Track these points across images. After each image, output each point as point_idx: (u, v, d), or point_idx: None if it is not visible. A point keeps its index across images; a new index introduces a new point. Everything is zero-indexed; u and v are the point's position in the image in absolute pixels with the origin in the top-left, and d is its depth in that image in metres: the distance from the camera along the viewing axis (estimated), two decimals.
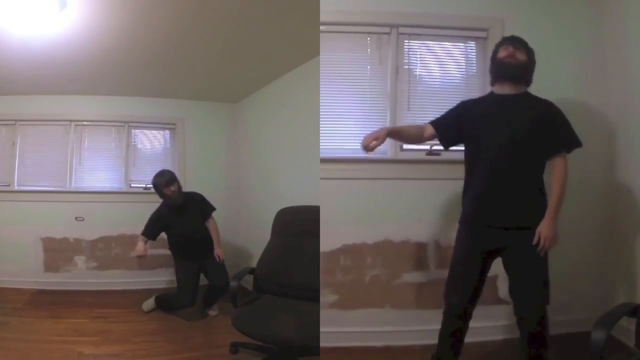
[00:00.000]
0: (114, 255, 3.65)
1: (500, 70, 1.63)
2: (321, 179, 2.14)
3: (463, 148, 1.74)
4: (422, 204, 2.17)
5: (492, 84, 1.69)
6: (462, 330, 1.69)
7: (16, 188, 3.58)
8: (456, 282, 1.68)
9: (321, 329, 1.84)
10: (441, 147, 2.16)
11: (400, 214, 2.17)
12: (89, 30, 2.25)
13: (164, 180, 2.79)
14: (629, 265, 2.06)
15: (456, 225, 1.73)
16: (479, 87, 2.15)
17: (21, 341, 2.32)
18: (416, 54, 2.24)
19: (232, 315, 1.95)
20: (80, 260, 3.60)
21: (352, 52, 2.24)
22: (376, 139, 1.58)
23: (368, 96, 2.25)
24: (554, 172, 1.57)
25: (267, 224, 2.46)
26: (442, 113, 1.76)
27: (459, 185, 1.73)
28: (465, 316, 1.67)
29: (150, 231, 2.81)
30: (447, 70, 2.24)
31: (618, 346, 1.90)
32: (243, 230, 3.83)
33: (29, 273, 3.50)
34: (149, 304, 2.92)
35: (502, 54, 1.63)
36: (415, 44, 2.24)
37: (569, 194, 2.05)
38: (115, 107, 3.70)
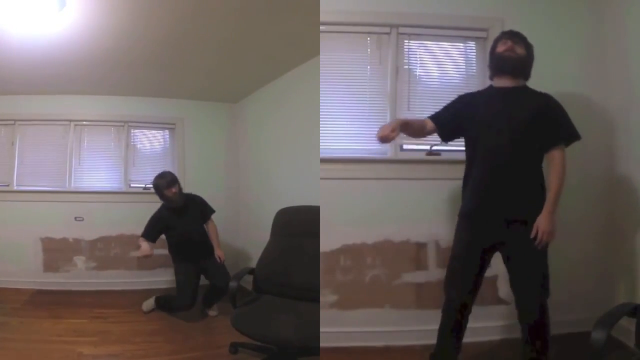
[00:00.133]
0: (114, 255, 3.65)
1: (499, 64, 1.63)
2: (321, 179, 2.14)
3: (463, 148, 1.73)
4: (422, 204, 2.16)
5: (491, 78, 1.70)
6: (461, 325, 1.69)
7: (15, 188, 3.58)
8: (455, 277, 1.69)
9: (321, 329, 1.84)
10: (441, 147, 2.19)
11: (400, 214, 2.17)
12: (89, 30, 2.25)
13: (166, 182, 2.79)
14: (629, 265, 2.06)
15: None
16: (479, 87, 2.12)
17: (20, 341, 2.31)
18: (416, 54, 2.24)
19: (231, 316, 1.95)
20: (79, 261, 3.60)
21: (352, 52, 2.24)
22: (393, 130, 1.56)
23: (368, 96, 2.25)
24: (552, 165, 1.57)
25: (266, 224, 2.46)
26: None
27: (459, 185, 1.74)
28: (464, 311, 1.67)
29: (150, 233, 2.80)
30: (446, 70, 2.24)
31: (618, 346, 1.90)
32: (243, 230, 3.82)
33: (28, 273, 3.49)
34: (149, 304, 2.92)
35: (501, 48, 1.63)
36: (415, 44, 2.24)
37: (569, 193, 2.06)
38: (114, 107, 3.69)
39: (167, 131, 3.90)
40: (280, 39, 2.40)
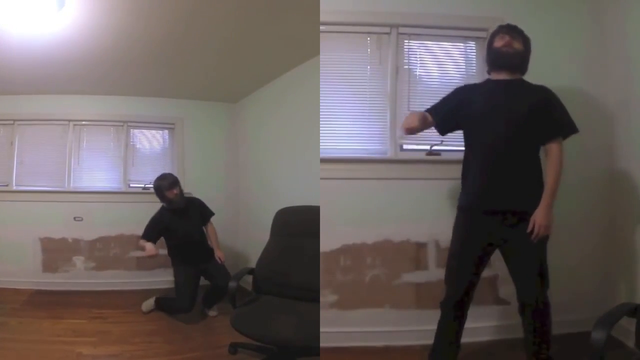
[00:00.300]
0: (113, 256, 3.64)
1: (497, 59, 1.64)
2: (321, 179, 2.13)
3: (463, 148, 1.74)
4: (422, 204, 2.16)
5: (489, 72, 1.70)
6: (460, 322, 1.70)
7: (14, 188, 3.57)
8: (452, 273, 1.70)
9: (321, 329, 1.83)
10: (441, 147, 2.19)
11: (400, 214, 2.17)
12: (88, 30, 2.24)
13: (167, 183, 2.79)
14: (629, 265, 2.06)
15: None
16: None
17: (19, 342, 2.31)
18: (416, 54, 2.24)
19: (231, 316, 1.95)
20: (78, 261, 3.59)
21: (352, 52, 2.24)
22: (419, 120, 1.58)
23: (368, 96, 2.25)
24: (549, 159, 1.58)
25: (266, 224, 2.46)
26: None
27: (459, 184, 1.74)
28: (463, 306, 1.68)
29: (150, 234, 2.79)
30: (446, 70, 2.24)
31: (618, 346, 1.90)
32: (242, 230, 3.82)
33: (27, 273, 3.48)
34: (149, 304, 2.91)
35: (498, 43, 1.62)
36: (415, 44, 2.24)
37: (569, 192, 2.06)
38: (114, 107, 3.69)
39: (166, 131, 3.89)
40: (280, 38, 2.39)
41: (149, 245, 2.69)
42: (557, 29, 2.18)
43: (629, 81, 2.07)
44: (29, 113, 3.57)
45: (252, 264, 2.41)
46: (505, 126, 1.55)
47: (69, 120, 3.65)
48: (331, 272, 2.16)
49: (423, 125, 1.65)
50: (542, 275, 1.58)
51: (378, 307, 2.17)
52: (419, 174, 2.19)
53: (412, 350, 2.06)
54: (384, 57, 2.22)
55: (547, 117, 1.57)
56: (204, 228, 2.96)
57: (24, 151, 3.61)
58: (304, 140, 2.71)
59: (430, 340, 1.77)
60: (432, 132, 2.15)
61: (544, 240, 1.58)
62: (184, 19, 2.15)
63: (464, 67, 2.25)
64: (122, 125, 3.76)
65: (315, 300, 2.04)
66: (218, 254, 2.88)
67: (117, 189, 3.71)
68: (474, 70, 2.24)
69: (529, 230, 1.54)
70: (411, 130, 1.62)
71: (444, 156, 2.19)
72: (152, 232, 2.80)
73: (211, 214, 3.00)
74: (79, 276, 3.56)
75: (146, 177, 3.74)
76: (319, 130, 2.18)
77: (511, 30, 1.64)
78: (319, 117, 2.16)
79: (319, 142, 2.16)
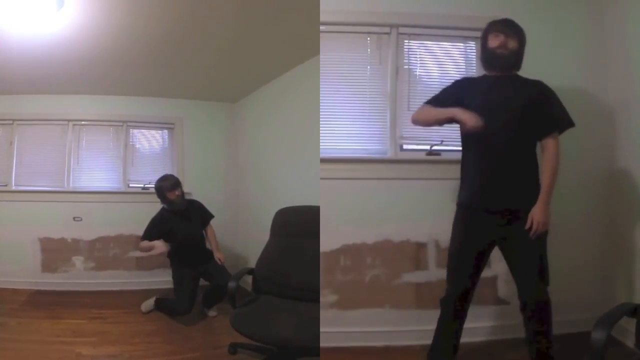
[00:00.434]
0: (112, 256, 3.64)
1: (492, 60, 1.63)
2: (321, 179, 2.13)
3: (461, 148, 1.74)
4: (422, 204, 2.16)
5: (485, 69, 1.70)
6: (460, 319, 1.70)
7: (14, 188, 3.56)
8: (452, 271, 1.71)
9: (321, 329, 1.83)
10: (441, 147, 2.19)
11: (400, 214, 2.17)
12: (87, 30, 2.24)
13: (170, 184, 2.79)
14: (629, 265, 2.06)
15: None
16: None
17: (19, 342, 2.30)
18: (416, 54, 2.24)
19: (230, 316, 1.94)
20: (78, 261, 3.58)
21: (352, 52, 2.24)
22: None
23: (368, 96, 2.25)
24: (545, 154, 1.58)
25: (266, 224, 2.45)
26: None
27: (459, 184, 1.73)
28: (463, 305, 1.68)
29: (151, 235, 2.78)
30: (447, 70, 2.24)
31: (618, 346, 1.90)
32: (242, 230, 3.82)
33: (26, 273, 3.48)
34: (148, 304, 2.91)
35: (493, 43, 1.61)
36: (415, 44, 2.24)
37: (569, 193, 2.06)
38: (113, 107, 3.68)
39: (166, 131, 3.89)
40: (279, 38, 2.39)
41: (158, 243, 2.68)
42: (557, 29, 2.18)
43: (629, 81, 2.07)
44: (29, 113, 3.57)
45: (252, 264, 2.41)
46: (502, 123, 1.55)
47: (69, 120, 3.64)
48: (331, 272, 2.16)
49: None
50: (543, 272, 1.58)
51: (378, 307, 2.17)
52: (419, 174, 2.19)
53: (412, 350, 2.05)
54: (384, 57, 2.22)
55: (543, 112, 1.57)
56: (203, 231, 2.96)
57: (23, 151, 3.60)
58: (304, 140, 2.71)
59: (430, 340, 1.78)
60: (432, 132, 2.16)
61: (543, 236, 1.58)
62: (184, 18, 2.15)
63: (464, 67, 2.25)
64: (122, 125, 3.75)
65: (315, 300, 2.04)
66: (218, 255, 2.88)
67: (116, 189, 3.71)
68: (474, 70, 2.24)
69: (527, 227, 1.54)
70: (480, 128, 1.52)
71: (444, 156, 2.19)
72: (153, 233, 2.78)
73: (211, 216, 3.01)
74: (79, 276, 3.55)
75: (146, 177, 3.74)
76: (319, 130, 2.18)
77: (505, 28, 1.61)
78: (319, 117, 2.16)
79: (319, 142, 2.16)
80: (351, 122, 2.25)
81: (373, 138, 2.27)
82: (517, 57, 1.61)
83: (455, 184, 1.77)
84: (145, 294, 3.11)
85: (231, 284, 2.04)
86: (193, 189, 3.43)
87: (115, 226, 3.63)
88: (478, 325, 2.11)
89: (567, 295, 2.03)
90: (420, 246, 2.19)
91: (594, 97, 2.19)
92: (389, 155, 2.22)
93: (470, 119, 1.53)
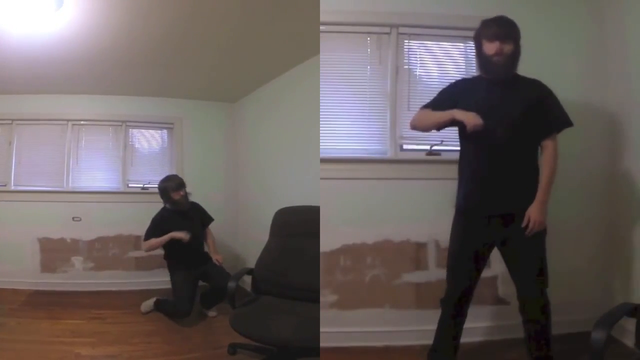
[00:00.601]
0: (111, 256, 3.63)
1: (488, 68, 1.59)
2: (321, 179, 2.13)
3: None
4: (422, 204, 2.16)
5: (482, 73, 1.68)
6: (460, 319, 1.70)
7: (13, 188, 3.55)
8: (452, 271, 1.71)
9: (321, 329, 1.83)
10: (441, 147, 2.19)
11: (400, 214, 2.17)
12: (86, 29, 2.23)
13: (175, 184, 2.79)
14: (628, 266, 2.06)
15: None
16: None
17: (18, 342, 2.30)
18: (416, 54, 2.24)
19: (230, 316, 1.94)
20: (77, 261, 3.58)
21: (352, 52, 2.24)
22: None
23: (368, 96, 2.25)
24: (544, 155, 1.57)
25: (265, 224, 2.45)
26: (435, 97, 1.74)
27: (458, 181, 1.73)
28: (463, 305, 1.68)
29: (153, 234, 2.77)
30: (447, 70, 2.24)
31: (618, 346, 1.90)
32: (241, 230, 3.81)
33: (25, 273, 3.47)
34: (148, 305, 2.90)
35: (489, 49, 1.56)
36: (415, 44, 2.24)
37: (570, 194, 2.06)
38: (112, 107, 3.68)
39: (165, 131, 3.89)
40: (279, 37, 2.39)
41: (179, 233, 2.67)
42: (557, 29, 2.18)
43: (629, 84, 2.06)
44: (28, 113, 3.56)
45: (252, 264, 2.40)
46: (500, 127, 1.54)
47: (68, 120, 3.64)
48: (331, 272, 2.16)
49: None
50: (542, 273, 1.58)
51: (378, 307, 2.17)
52: (419, 174, 2.19)
53: (412, 350, 2.05)
54: (384, 57, 2.22)
55: (542, 113, 1.56)
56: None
57: (22, 151, 3.60)
58: (304, 140, 2.70)
59: (430, 340, 1.78)
60: (432, 132, 2.15)
61: (541, 237, 1.58)
62: (183, 18, 2.15)
63: (464, 67, 2.25)
64: (121, 125, 3.74)
65: (315, 300, 2.04)
66: (216, 256, 2.88)
67: (115, 189, 3.70)
68: (474, 70, 2.23)
69: (523, 225, 1.54)
70: (480, 127, 1.52)
71: (444, 156, 2.19)
72: (155, 232, 2.78)
73: (211, 219, 3.02)
74: (78, 276, 3.55)
75: (145, 177, 3.74)
76: (319, 130, 2.18)
77: (499, 31, 1.54)
78: (319, 117, 2.16)
79: (319, 142, 2.16)
80: (351, 122, 2.25)
81: (373, 138, 2.26)
82: (513, 59, 1.58)
83: (455, 184, 1.76)
84: (144, 294, 3.11)
85: (231, 284, 2.03)
86: (192, 189, 3.42)
87: (115, 226, 3.62)
88: (478, 325, 2.11)
89: (567, 295, 2.04)
90: (420, 246, 2.19)
91: (594, 97, 2.19)
92: (389, 155, 2.22)
93: (470, 118, 1.53)
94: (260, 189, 3.45)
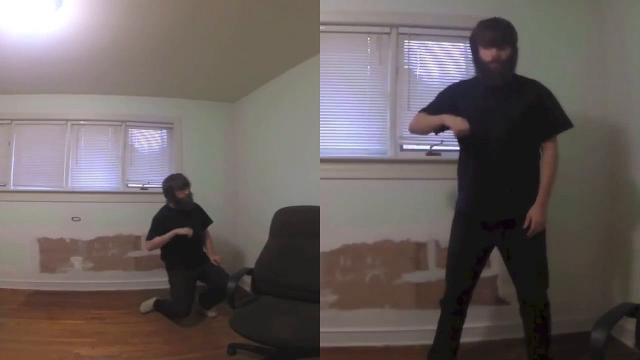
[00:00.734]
0: (111, 256, 3.63)
1: (486, 75, 1.56)
2: (321, 179, 2.13)
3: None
4: (422, 204, 2.16)
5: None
6: (460, 320, 1.70)
7: (12, 188, 3.55)
8: (451, 272, 1.71)
9: (321, 329, 1.83)
10: (441, 147, 2.19)
11: (400, 214, 2.17)
12: (86, 29, 2.23)
13: (180, 183, 2.78)
14: (628, 267, 2.06)
15: None
16: None
17: (17, 342, 2.30)
18: (416, 54, 2.24)
19: (229, 317, 1.94)
20: (76, 261, 3.57)
21: (352, 52, 2.24)
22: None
23: (368, 96, 2.25)
24: (544, 157, 1.57)
25: (265, 224, 2.45)
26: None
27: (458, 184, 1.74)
28: (462, 305, 1.68)
29: (156, 233, 2.75)
30: (447, 70, 2.24)
31: (618, 346, 1.91)
32: (241, 230, 3.81)
33: (25, 274, 3.47)
34: (147, 305, 2.89)
35: (485, 56, 1.52)
36: (415, 44, 2.23)
37: (570, 197, 2.06)
38: (112, 106, 3.67)
39: (165, 131, 3.88)
40: (278, 36, 2.39)
41: (182, 230, 2.68)
42: (557, 29, 2.18)
43: (629, 86, 2.06)
44: (27, 112, 3.55)
45: (251, 264, 2.40)
46: (499, 131, 1.54)
47: (67, 120, 3.63)
48: (331, 272, 2.16)
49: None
50: (542, 274, 1.58)
51: (378, 307, 2.17)
52: (419, 174, 2.19)
53: (412, 350, 2.05)
54: (384, 57, 2.22)
55: (542, 116, 1.55)
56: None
57: (21, 151, 3.59)
58: (304, 140, 2.70)
59: (430, 340, 1.78)
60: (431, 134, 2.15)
61: (541, 238, 1.58)
62: (183, 18, 2.14)
63: (464, 67, 2.25)
64: (121, 125, 3.74)
65: (315, 300, 2.04)
66: (214, 257, 2.87)
67: (115, 189, 3.70)
68: (474, 71, 2.24)
69: (525, 226, 1.54)
70: (467, 132, 1.51)
71: (444, 156, 2.19)
72: (158, 231, 2.76)
73: (211, 221, 3.02)
74: (77, 276, 3.54)
75: (144, 177, 3.73)
76: (319, 130, 2.18)
77: (496, 36, 1.49)
78: (319, 117, 2.16)
79: (319, 142, 2.16)
80: (351, 122, 2.25)
81: (373, 138, 2.26)
82: (511, 64, 1.54)
83: (455, 184, 1.76)
84: (144, 294, 3.10)
85: (230, 285, 2.03)
86: (192, 189, 3.41)
87: (114, 226, 3.62)
88: (478, 325, 2.11)
89: (567, 296, 2.04)
90: (420, 246, 2.19)
91: (594, 98, 2.19)
92: (389, 155, 2.22)
93: (456, 124, 1.51)
94: (260, 189, 3.45)
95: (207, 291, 2.87)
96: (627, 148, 2.10)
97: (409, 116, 2.19)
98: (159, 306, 2.86)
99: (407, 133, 2.22)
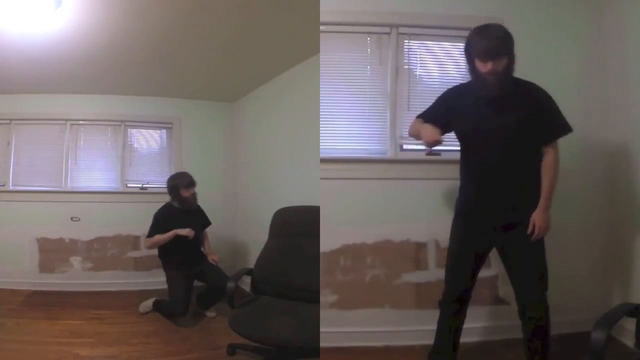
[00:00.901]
0: (110, 256, 3.62)
1: (483, 87, 1.54)
2: (321, 179, 2.13)
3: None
4: (422, 204, 2.16)
5: None
6: (460, 320, 1.70)
7: (11, 188, 3.54)
8: (451, 272, 1.71)
9: (321, 329, 1.83)
10: (441, 147, 2.17)
11: (400, 214, 2.17)
12: (85, 29, 2.23)
13: (186, 182, 2.78)
14: (628, 269, 2.06)
15: None
16: None
17: (16, 342, 2.29)
18: (416, 54, 2.24)
19: (229, 317, 1.93)
20: (75, 261, 3.57)
21: (352, 52, 2.24)
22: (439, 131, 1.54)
23: (368, 96, 2.25)
24: (545, 162, 1.56)
25: (265, 224, 2.45)
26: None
27: (458, 184, 1.73)
28: (462, 305, 1.69)
29: (158, 231, 2.74)
30: (447, 70, 2.24)
31: (618, 346, 1.91)
32: (241, 230, 3.81)
33: (24, 274, 3.46)
34: (146, 305, 2.89)
35: (482, 68, 1.48)
36: (415, 44, 2.23)
37: (570, 198, 2.06)
38: (111, 106, 3.67)
39: (164, 130, 3.88)
40: (278, 36, 2.39)
41: (185, 231, 2.66)
42: (557, 29, 2.18)
43: (629, 86, 2.06)
44: (26, 112, 3.55)
45: (251, 264, 2.40)
46: (497, 139, 1.53)
47: (66, 120, 3.63)
48: (331, 272, 2.16)
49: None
50: (542, 276, 1.58)
51: (378, 307, 2.17)
52: (419, 174, 2.19)
53: (412, 350, 2.05)
54: (384, 57, 2.22)
55: (541, 121, 1.54)
56: None
57: (20, 151, 3.59)
58: (304, 140, 2.70)
59: (430, 340, 1.78)
60: None
61: (541, 241, 1.58)
62: (182, 17, 2.14)
63: (464, 67, 2.21)
64: (120, 125, 3.74)
65: (314, 301, 2.04)
66: (212, 256, 2.87)
67: (114, 189, 3.69)
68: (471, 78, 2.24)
69: (529, 231, 1.54)
70: (439, 142, 1.54)
71: (444, 156, 2.16)
72: (159, 229, 2.74)
73: (209, 223, 3.01)
74: (76, 277, 3.54)
75: (144, 177, 3.73)
76: (319, 130, 2.17)
77: (491, 48, 1.44)
78: (319, 117, 2.16)
79: (319, 142, 2.16)
80: (351, 122, 2.25)
81: (373, 138, 2.26)
82: (508, 73, 1.51)
83: (455, 184, 1.76)
84: (143, 294, 3.10)
85: (230, 285, 2.03)
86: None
87: (113, 226, 3.61)
88: (478, 325, 2.11)
89: (567, 296, 2.04)
90: (420, 246, 2.19)
91: (594, 98, 2.19)
92: (389, 155, 2.22)
93: (427, 135, 1.54)
94: (260, 189, 3.45)
95: (205, 291, 2.86)
96: (628, 149, 2.10)
97: (409, 116, 2.20)
98: (157, 306, 2.85)
99: (407, 133, 2.22)
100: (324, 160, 2.14)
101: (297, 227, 2.30)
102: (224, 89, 3.56)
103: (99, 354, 2.22)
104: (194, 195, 2.80)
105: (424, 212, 2.17)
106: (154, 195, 3.43)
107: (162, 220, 2.77)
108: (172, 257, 2.81)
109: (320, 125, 2.17)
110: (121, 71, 3.02)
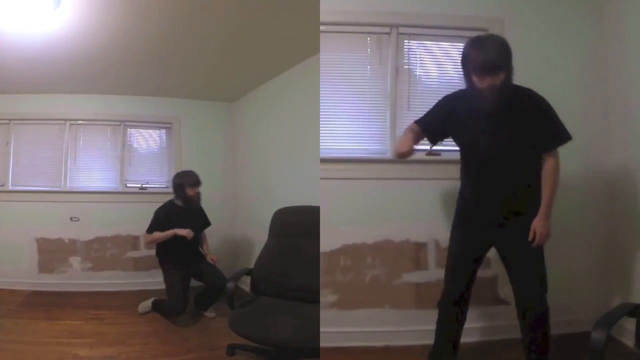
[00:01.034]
0: (109, 256, 3.62)
1: (480, 101, 1.51)
2: (321, 179, 2.13)
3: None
4: (422, 204, 2.16)
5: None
6: (459, 320, 1.70)
7: (10, 188, 3.54)
8: (450, 272, 1.72)
9: (321, 329, 1.83)
10: (441, 147, 2.18)
11: (400, 214, 2.17)
12: (84, 29, 2.23)
13: (192, 181, 2.77)
14: (628, 270, 2.06)
15: None
16: None
17: (15, 343, 2.29)
18: (416, 54, 2.24)
19: (228, 317, 1.93)
20: (75, 261, 3.56)
21: (352, 52, 2.24)
22: (411, 143, 1.59)
23: (368, 96, 2.25)
24: (545, 170, 1.56)
25: (264, 224, 2.45)
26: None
27: (459, 185, 1.73)
28: (462, 305, 1.69)
29: (158, 228, 2.73)
30: (446, 70, 2.23)
31: (618, 346, 1.91)
32: (240, 230, 3.81)
33: (23, 274, 3.45)
34: (145, 306, 2.88)
35: (479, 84, 1.46)
36: (415, 44, 2.23)
37: (570, 199, 2.06)
38: (110, 106, 3.66)
39: (163, 130, 3.87)
40: (278, 36, 2.39)
41: (185, 231, 2.65)
42: (557, 29, 2.18)
43: (629, 91, 2.06)
44: (25, 112, 3.54)
45: (250, 264, 2.40)
46: (495, 148, 1.54)
47: (66, 120, 3.62)
48: (331, 272, 2.16)
49: (415, 144, 1.63)
50: (541, 280, 1.58)
51: (378, 307, 2.17)
52: (419, 174, 2.19)
53: (412, 350, 2.05)
54: (384, 57, 2.22)
55: (540, 130, 1.53)
56: None
57: (20, 151, 3.58)
58: (303, 140, 2.70)
59: (430, 340, 1.78)
60: None
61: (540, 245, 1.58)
62: (181, 17, 2.14)
63: None
64: (119, 125, 3.73)
65: (314, 301, 2.03)
66: (210, 256, 2.87)
67: (113, 189, 3.69)
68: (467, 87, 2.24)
69: (530, 238, 1.54)
70: (405, 155, 1.59)
71: (444, 156, 2.18)
72: (159, 227, 2.73)
73: (209, 224, 3.00)
74: (76, 277, 3.53)
75: (143, 177, 3.73)
76: (319, 130, 2.17)
77: (488, 63, 1.41)
78: (319, 117, 2.16)
79: (319, 142, 2.16)
80: (351, 122, 2.25)
81: (373, 138, 2.26)
82: (506, 82, 1.48)
83: (455, 184, 1.76)
84: (142, 294, 3.09)
85: (229, 285, 2.03)
86: None
87: (113, 226, 3.61)
88: (478, 325, 2.12)
89: (567, 296, 2.05)
90: (420, 246, 2.19)
91: (594, 98, 2.19)
92: (389, 155, 2.22)
93: (397, 146, 1.60)
94: (260, 189, 3.44)
95: (203, 291, 2.86)
96: (628, 150, 2.10)
97: (409, 116, 2.20)
98: (156, 306, 2.85)
99: None
100: (324, 160, 2.14)
101: (297, 227, 2.30)
102: (223, 88, 3.56)
103: (98, 354, 2.22)
104: (198, 194, 2.80)
105: (424, 212, 2.17)
106: (154, 195, 3.43)
107: (162, 218, 2.76)
108: (170, 255, 2.80)
109: (320, 125, 2.17)
110: (120, 71, 3.02)
